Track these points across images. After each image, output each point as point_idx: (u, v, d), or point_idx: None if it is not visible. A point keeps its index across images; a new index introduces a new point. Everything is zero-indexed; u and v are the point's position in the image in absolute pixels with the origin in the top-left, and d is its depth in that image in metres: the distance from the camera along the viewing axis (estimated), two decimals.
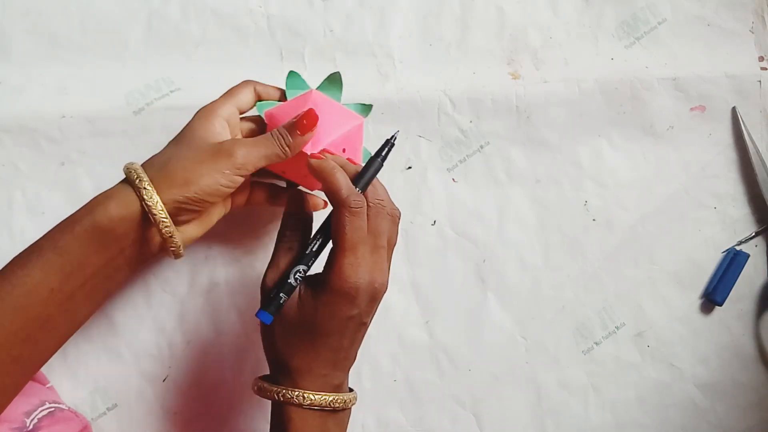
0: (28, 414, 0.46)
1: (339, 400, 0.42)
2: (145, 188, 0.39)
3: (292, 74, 0.48)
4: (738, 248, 0.57)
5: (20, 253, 0.40)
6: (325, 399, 0.41)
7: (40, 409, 0.47)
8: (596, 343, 0.56)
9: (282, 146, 0.43)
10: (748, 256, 0.56)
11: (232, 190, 0.42)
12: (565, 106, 0.57)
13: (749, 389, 0.56)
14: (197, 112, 0.45)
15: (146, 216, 0.40)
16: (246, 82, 0.48)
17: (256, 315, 0.41)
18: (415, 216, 0.56)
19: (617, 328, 0.56)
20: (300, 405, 0.40)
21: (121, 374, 0.55)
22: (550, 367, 0.56)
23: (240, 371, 0.55)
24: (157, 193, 0.39)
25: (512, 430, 0.56)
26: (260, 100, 0.48)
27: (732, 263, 0.56)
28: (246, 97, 0.47)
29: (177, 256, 0.43)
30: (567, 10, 0.58)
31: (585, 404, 0.56)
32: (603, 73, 0.57)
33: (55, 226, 0.41)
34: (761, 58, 0.58)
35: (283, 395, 0.41)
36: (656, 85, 0.57)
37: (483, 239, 0.57)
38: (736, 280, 0.56)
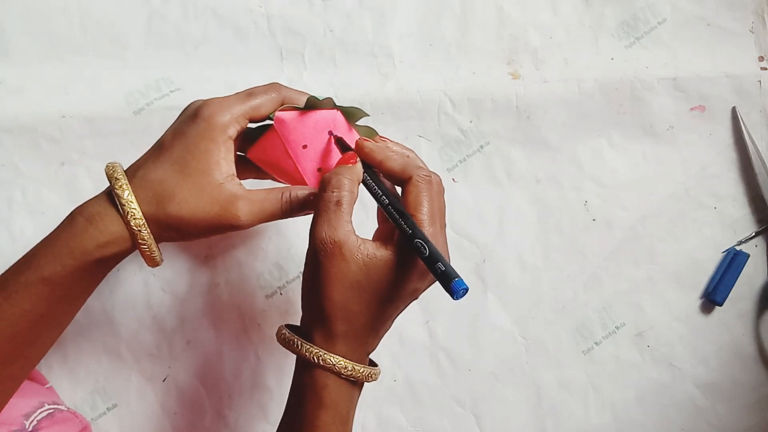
0: (27, 416, 0.46)
1: (372, 374, 0.40)
2: (139, 231, 0.38)
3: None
4: (738, 248, 0.57)
5: (4, 278, 0.39)
6: (363, 372, 0.39)
7: (40, 410, 0.47)
8: (596, 343, 0.56)
9: (285, 211, 0.41)
10: (748, 256, 0.56)
11: None
12: (565, 106, 0.57)
13: (749, 389, 0.56)
14: (202, 110, 0.40)
15: (136, 245, 0.39)
16: (273, 87, 0.42)
17: (456, 288, 0.34)
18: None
19: (617, 328, 0.56)
20: (338, 373, 0.38)
21: (121, 374, 0.55)
22: (550, 367, 0.56)
23: (240, 371, 0.55)
24: (149, 231, 0.39)
25: (512, 430, 0.56)
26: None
27: (732, 263, 0.56)
28: (267, 107, 0.41)
29: (155, 266, 0.42)
30: (567, 10, 0.58)
31: (585, 404, 0.56)
32: (603, 73, 0.57)
33: (38, 248, 0.39)
34: (761, 58, 0.58)
35: (323, 359, 0.37)
36: (656, 85, 0.57)
37: (483, 239, 0.57)
38: (736, 280, 0.56)
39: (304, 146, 0.43)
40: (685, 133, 0.57)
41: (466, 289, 0.34)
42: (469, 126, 0.57)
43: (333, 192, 0.38)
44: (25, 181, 0.55)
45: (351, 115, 0.45)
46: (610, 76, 0.57)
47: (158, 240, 0.40)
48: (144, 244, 0.39)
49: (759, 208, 0.57)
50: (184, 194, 0.39)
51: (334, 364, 0.38)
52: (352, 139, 0.44)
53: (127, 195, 0.38)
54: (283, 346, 0.39)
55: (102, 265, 0.40)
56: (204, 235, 0.40)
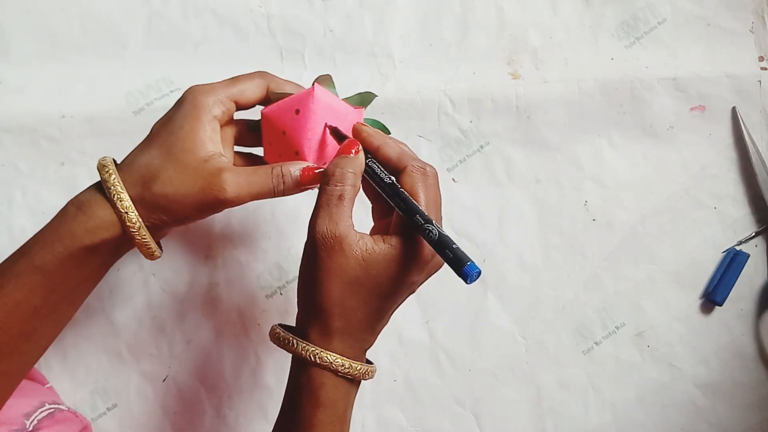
0: (27, 415, 0.46)
1: (369, 372, 0.39)
2: (126, 213, 0.38)
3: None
4: (738, 248, 0.57)
5: None
6: (360, 369, 0.38)
7: (40, 410, 0.47)
8: (596, 343, 0.56)
9: (278, 187, 0.40)
10: (748, 256, 0.56)
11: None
12: (565, 106, 0.57)
13: (749, 389, 0.56)
14: (187, 95, 0.41)
15: (126, 230, 0.39)
16: (258, 74, 0.43)
17: (469, 271, 0.33)
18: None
19: (617, 328, 0.56)
20: (335, 372, 0.37)
21: (121, 374, 0.55)
22: (550, 367, 0.56)
23: (240, 371, 0.55)
24: (138, 213, 0.38)
25: (512, 430, 0.56)
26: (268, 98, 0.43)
27: (732, 263, 0.56)
28: (252, 90, 0.42)
29: (154, 259, 0.42)
30: (567, 10, 0.58)
31: (585, 404, 0.56)
32: (603, 73, 0.57)
33: (31, 241, 0.39)
34: (761, 58, 0.58)
35: (320, 357, 0.37)
36: (656, 85, 0.57)
37: (483, 239, 0.57)
38: (736, 280, 0.56)
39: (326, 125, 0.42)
40: (685, 133, 0.57)
41: (479, 272, 0.33)
42: (469, 126, 0.57)
43: (336, 186, 0.38)
44: (25, 181, 0.55)
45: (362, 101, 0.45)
46: (610, 76, 0.57)
47: (151, 226, 0.39)
48: (132, 228, 0.38)
49: (759, 208, 0.57)
50: (169, 173, 0.39)
51: (331, 362, 0.37)
52: (335, 109, 0.42)
53: (114, 179, 0.38)
54: (278, 345, 0.39)
55: (92, 254, 0.39)
56: (194, 214, 0.39)
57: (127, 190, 0.38)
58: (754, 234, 0.57)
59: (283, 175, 0.40)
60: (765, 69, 0.57)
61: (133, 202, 0.38)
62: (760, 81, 0.57)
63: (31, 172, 0.55)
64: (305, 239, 0.38)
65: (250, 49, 0.57)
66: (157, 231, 0.40)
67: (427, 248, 0.37)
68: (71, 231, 0.38)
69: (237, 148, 0.45)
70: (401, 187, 0.38)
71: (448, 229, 0.57)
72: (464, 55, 0.58)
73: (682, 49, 0.58)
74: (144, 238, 0.39)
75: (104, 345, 0.55)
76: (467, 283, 0.33)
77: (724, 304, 0.56)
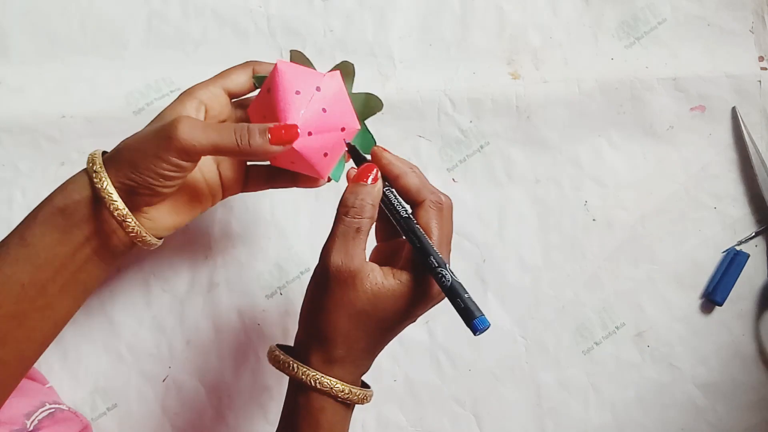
0: (28, 415, 0.46)
1: (367, 397, 0.40)
2: (95, 171, 0.38)
3: (294, 54, 0.43)
4: (738, 248, 0.57)
5: None
6: (359, 395, 0.38)
7: (41, 410, 0.47)
8: (596, 343, 0.56)
9: (240, 144, 0.37)
10: (748, 256, 0.56)
11: (180, 175, 0.38)
12: (565, 106, 0.57)
13: (749, 389, 0.56)
14: (171, 127, 0.39)
15: (99, 199, 0.38)
16: (244, 63, 0.43)
17: (477, 324, 0.33)
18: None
19: (617, 328, 0.56)
20: (335, 397, 0.38)
21: (121, 374, 0.55)
22: (550, 367, 0.56)
23: (240, 371, 0.55)
24: (108, 176, 0.38)
25: (512, 430, 0.56)
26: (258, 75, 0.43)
27: (732, 263, 0.56)
28: (240, 78, 0.42)
29: (144, 243, 0.40)
30: (567, 10, 0.58)
31: (585, 404, 0.56)
32: (603, 73, 0.57)
33: (23, 219, 0.40)
34: (761, 58, 0.58)
35: (320, 383, 0.37)
36: (656, 85, 0.57)
37: (483, 239, 0.57)
38: (736, 280, 0.56)
39: (297, 92, 0.40)
40: (685, 133, 0.57)
41: (488, 327, 0.34)
42: (469, 126, 0.57)
43: (354, 218, 0.37)
44: (25, 181, 0.55)
45: (362, 105, 0.44)
46: (610, 76, 0.57)
47: (123, 189, 0.38)
48: (96, 178, 0.37)
49: (759, 208, 0.57)
50: (136, 136, 0.39)
51: (332, 387, 0.37)
52: (307, 80, 0.40)
53: (95, 151, 0.39)
54: (277, 368, 0.39)
55: (67, 218, 0.38)
56: (156, 167, 0.37)
57: (102, 159, 0.39)
58: (754, 234, 0.57)
59: (249, 131, 0.37)
60: (765, 69, 0.57)
61: (103, 162, 0.38)
62: (760, 81, 0.57)
63: (31, 172, 0.55)
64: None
65: (250, 49, 0.57)
66: (133, 197, 0.38)
67: (436, 287, 0.37)
68: (51, 198, 0.39)
69: None
70: (418, 220, 0.38)
71: None
72: (464, 55, 0.58)
73: (682, 49, 0.58)
74: (114, 202, 0.38)
75: (104, 345, 0.55)
76: (474, 335, 0.34)
77: (724, 304, 0.56)
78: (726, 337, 0.56)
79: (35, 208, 0.40)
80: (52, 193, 0.39)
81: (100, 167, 0.38)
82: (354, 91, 0.44)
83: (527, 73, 0.57)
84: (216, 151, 0.37)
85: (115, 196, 0.38)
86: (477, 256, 0.56)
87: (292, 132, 0.38)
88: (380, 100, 0.44)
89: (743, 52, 0.57)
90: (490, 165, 0.57)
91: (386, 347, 0.55)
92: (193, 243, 0.56)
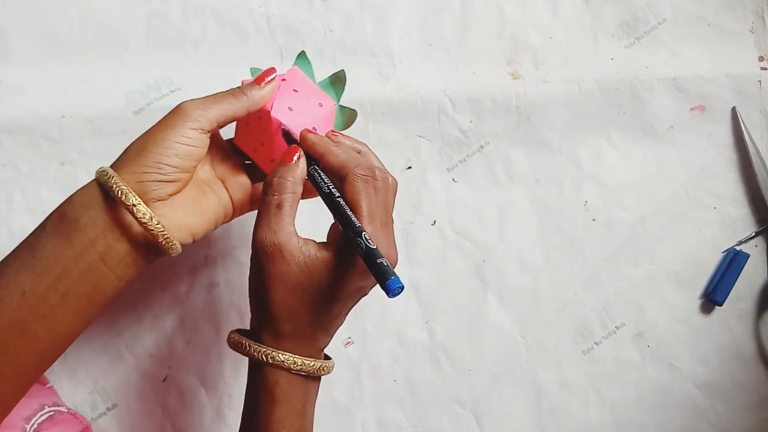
0: (27, 419, 0.46)
1: (324, 367, 0.41)
2: (102, 170, 0.38)
3: (301, 57, 0.46)
4: (738, 248, 0.57)
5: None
6: (314, 366, 0.40)
7: (40, 413, 0.47)
8: (596, 343, 0.56)
9: (239, 99, 0.40)
10: (748, 256, 0.56)
11: (198, 151, 0.39)
12: (565, 106, 0.57)
13: (749, 389, 0.56)
14: (174, 110, 0.40)
15: (109, 197, 0.38)
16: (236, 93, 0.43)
17: (391, 286, 0.34)
18: (415, 216, 0.56)
19: (617, 328, 0.56)
20: (288, 369, 0.39)
21: (121, 374, 0.55)
22: (550, 367, 0.56)
23: (240, 371, 0.55)
24: (118, 174, 0.38)
25: (512, 430, 0.56)
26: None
27: (732, 263, 0.56)
28: (238, 107, 0.41)
29: (168, 244, 0.39)
30: (567, 10, 0.58)
31: (585, 404, 0.56)
32: (603, 73, 0.57)
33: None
34: (761, 58, 0.58)
35: (272, 357, 0.39)
36: (656, 85, 0.57)
37: (483, 239, 0.57)
38: (736, 280, 0.56)
39: (290, 108, 0.43)
40: (685, 133, 0.57)
41: (402, 287, 0.35)
42: (469, 126, 0.57)
43: (274, 195, 0.39)
44: (25, 181, 0.55)
45: (327, 87, 0.46)
46: (610, 76, 0.57)
47: (140, 190, 0.38)
48: (105, 174, 0.38)
49: (759, 208, 0.57)
50: (139, 136, 0.40)
51: (283, 361, 0.39)
52: (309, 90, 0.44)
53: (106, 167, 0.39)
54: (234, 349, 0.41)
55: (71, 223, 0.38)
56: (171, 153, 0.38)
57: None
58: (754, 234, 0.57)
59: (241, 89, 0.41)
60: (765, 69, 0.57)
61: (111, 167, 0.39)
62: (760, 81, 0.57)
63: (31, 172, 0.55)
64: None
65: (250, 49, 0.57)
66: (144, 194, 0.38)
67: None
68: (58, 206, 0.40)
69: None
70: (344, 195, 0.39)
71: (448, 229, 0.57)
72: (464, 55, 0.58)
73: (682, 49, 0.58)
74: (126, 192, 0.37)
75: (104, 345, 0.55)
76: (389, 297, 0.35)
77: (724, 304, 0.56)
78: (726, 337, 0.56)
79: (46, 218, 0.40)
80: (62, 203, 0.40)
81: (109, 169, 0.39)
82: (342, 102, 0.47)
83: (527, 73, 0.57)
84: (225, 115, 0.40)
85: (127, 189, 0.38)
86: (477, 256, 0.56)
87: (269, 71, 0.42)
88: (355, 111, 0.47)
89: (743, 52, 0.57)
90: (490, 165, 0.57)
91: (386, 347, 0.55)
92: (193, 243, 0.56)
